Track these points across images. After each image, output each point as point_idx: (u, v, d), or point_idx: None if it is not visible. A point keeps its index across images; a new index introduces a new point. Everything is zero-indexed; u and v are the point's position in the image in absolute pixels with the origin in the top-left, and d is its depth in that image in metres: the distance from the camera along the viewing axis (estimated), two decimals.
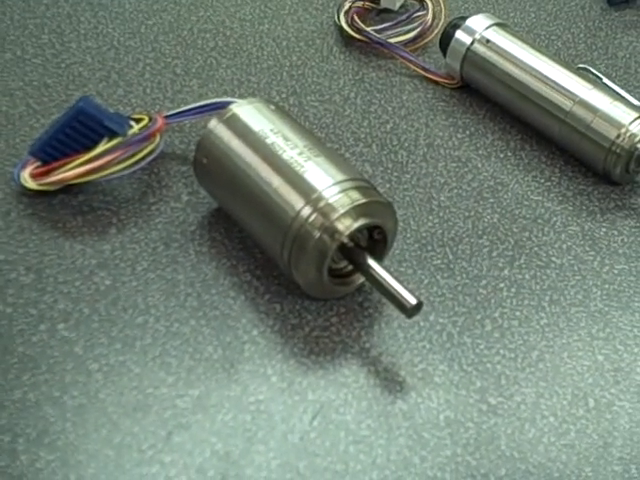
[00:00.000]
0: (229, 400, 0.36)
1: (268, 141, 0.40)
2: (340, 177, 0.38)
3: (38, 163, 0.43)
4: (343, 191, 0.38)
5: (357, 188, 0.38)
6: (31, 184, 0.43)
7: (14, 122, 0.48)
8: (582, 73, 0.51)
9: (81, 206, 0.43)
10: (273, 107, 0.42)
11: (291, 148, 0.39)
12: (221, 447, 0.34)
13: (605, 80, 0.54)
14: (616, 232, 0.45)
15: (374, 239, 0.39)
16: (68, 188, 0.44)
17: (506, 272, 0.43)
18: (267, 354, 0.38)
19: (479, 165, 0.49)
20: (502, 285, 0.42)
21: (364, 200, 0.38)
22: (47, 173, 0.42)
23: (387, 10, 0.60)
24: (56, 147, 0.42)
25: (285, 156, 0.39)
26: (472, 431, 0.36)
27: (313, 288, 0.39)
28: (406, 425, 0.35)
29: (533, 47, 0.52)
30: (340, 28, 0.58)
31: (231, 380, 0.36)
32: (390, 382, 0.37)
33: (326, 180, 0.38)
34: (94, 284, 0.40)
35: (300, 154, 0.39)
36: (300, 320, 0.39)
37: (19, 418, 0.34)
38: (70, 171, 0.42)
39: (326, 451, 0.34)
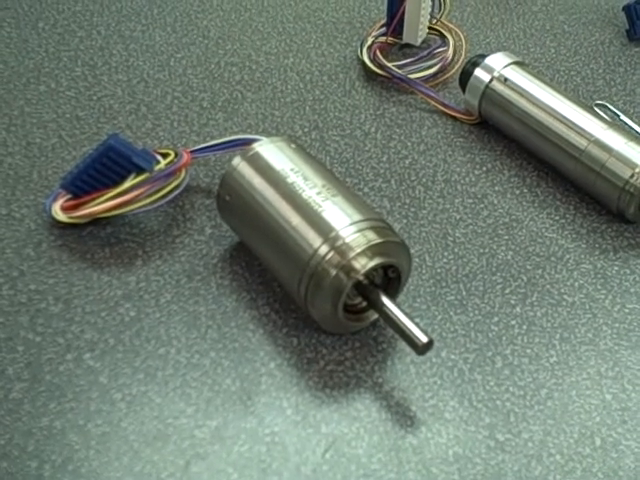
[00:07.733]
0: (245, 431, 0.37)
1: (289, 180, 0.41)
2: (357, 217, 0.40)
3: (69, 196, 0.45)
4: (359, 231, 0.39)
5: (373, 228, 0.39)
6: (62, 217, 0.45)
7: (47, 154, 0.50)
8: (598, 112, 0.52)
9: (109, 238, 0.45)
10: (294, 146, 0.44)
11: (310, 187, 0.41)
12: (237, 477, 0.35)
13: (623, 117, 0.55)
14: (628, 270, 0.46)
15: (389, 277, 0.41)
16: (97, 220, 0.46)
17: (518, 309, 0.44)
18: (283, 387, 0.39)
19: (495, 201, 0.50)
20: (513, 322, 0.43)
21: (380, 240, 0.39)
22: (77, 206, 0.44)
23: (409, 45, 0.62)
24: (86, 181, 0.44)
25: (304, 195, 0.41)
26: (480, 467, 0.37)
27: (328, 323, 0.40)
28: (416, 460, 0.37)
29: (550, 86, 0.53)
30: (363, 63, 0.59)
31: (248, 412, 0.38)
32: (401, 417, 0.38)
33: (343, 220, 0.39)
34: (119, 315, 0.41)
35: (318, 194, 0.41)
36: (316, 354, 0.41)
37: (45, 445, 0.36)
38: (99, 205, 0.44)
39: None
